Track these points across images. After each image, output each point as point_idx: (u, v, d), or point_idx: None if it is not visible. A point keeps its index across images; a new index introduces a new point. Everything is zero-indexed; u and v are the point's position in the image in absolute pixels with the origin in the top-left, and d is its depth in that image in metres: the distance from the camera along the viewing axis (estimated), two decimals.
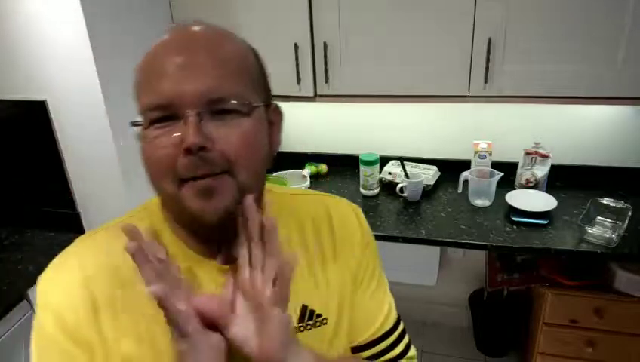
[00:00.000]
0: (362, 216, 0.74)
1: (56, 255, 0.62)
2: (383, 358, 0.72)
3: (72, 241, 0.64)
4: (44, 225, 1.81)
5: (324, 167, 2.17)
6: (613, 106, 1.80)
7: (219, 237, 0.60)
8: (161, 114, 0.52)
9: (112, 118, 1.60)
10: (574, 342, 1.69)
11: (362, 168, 1.91)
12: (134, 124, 0.54)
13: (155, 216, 0.63)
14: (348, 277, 0.69)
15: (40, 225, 1.82)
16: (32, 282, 1.53)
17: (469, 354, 2.23)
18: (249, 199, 0.54)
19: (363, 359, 0.72)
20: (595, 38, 1.48)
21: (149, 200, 0.65)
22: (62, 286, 0.58)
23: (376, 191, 1.94)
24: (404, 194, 1.85)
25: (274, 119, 0.61)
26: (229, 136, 0.52)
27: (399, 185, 1.85)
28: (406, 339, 0.75)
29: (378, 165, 1.91)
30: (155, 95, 0.52)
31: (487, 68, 1.58)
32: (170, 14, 1.84)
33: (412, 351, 0.75)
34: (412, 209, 1.82)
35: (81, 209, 1.76)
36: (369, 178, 1.91)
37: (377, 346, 0.72)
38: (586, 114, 1.87)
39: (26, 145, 1.71)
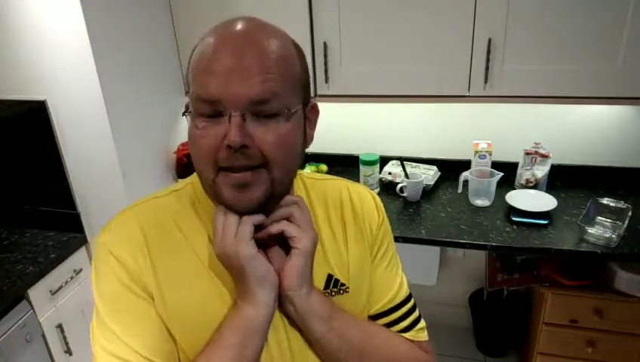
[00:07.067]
0: (379, 199, 0.82)
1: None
2: (393, 328, 0.78)
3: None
4: (44, 225, 1.80)
5: (324, 167, 2.17)
6: (613, 106, 1.80)
7: None
8: (208, 109, 0.57)
9: (112, 118, 1.60)
10: (574, 342, 1.69)
11: (362, 168, 1.91)
12: (185, 113, 0.60)
13: (199, 188, 0.68)
14: (367, 251, 0.76)
15: (40, 225, 1.81)
16: (32, 282, 1.53)
17: (469, 354, 2.23)
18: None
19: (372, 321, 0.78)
20: (595, 38, 1.48)
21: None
22: (123, 236, 0.64)
23: (376, 191, 1.94)
24: (404, 194, 1.85)
25: (310, 116, 0.67)
26: (268, 137, 0.57)
27: (399, 185, 1.85)
28: (416, 313, 0.81)
29: (378, 165, 1.91)
30: (203, 91, 0.56)
31: (487, 68, 1.58)
32: (170, 14, 1.84)
33: (422, 323, 0.81)
34: (412, 209, 1.82)
35: (80, 209, 1.76)
36: (369, 178, 1.91)
37: (389, 316, 0.78)
38: (586, 114, 1.87)
39: (26, 145, 1.71)
